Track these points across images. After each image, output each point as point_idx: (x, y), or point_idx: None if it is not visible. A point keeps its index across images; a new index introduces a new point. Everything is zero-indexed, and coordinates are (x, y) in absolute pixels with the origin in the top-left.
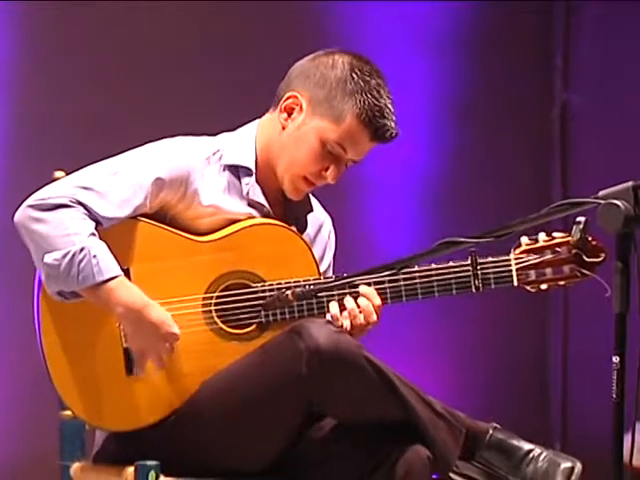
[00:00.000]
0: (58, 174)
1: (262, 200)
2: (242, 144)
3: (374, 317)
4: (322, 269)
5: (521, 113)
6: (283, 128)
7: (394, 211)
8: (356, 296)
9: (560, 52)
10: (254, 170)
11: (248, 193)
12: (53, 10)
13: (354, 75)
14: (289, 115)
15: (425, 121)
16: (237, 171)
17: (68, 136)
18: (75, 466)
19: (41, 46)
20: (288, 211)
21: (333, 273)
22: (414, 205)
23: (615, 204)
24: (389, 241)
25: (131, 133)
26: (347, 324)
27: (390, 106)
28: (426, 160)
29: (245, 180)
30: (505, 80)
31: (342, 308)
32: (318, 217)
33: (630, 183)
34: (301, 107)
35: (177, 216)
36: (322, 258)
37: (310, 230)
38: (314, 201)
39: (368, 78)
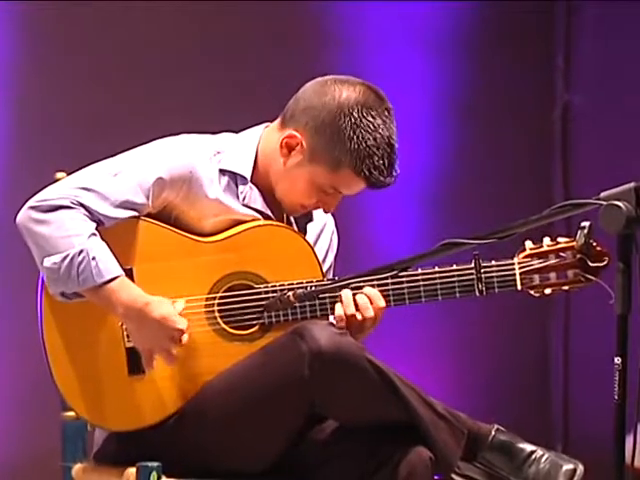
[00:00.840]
0: (59, 175)
1: (259, 206)
2: (242, 150)
3: (370, 313)
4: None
5: (522, 113)
6: (284, 163)
7: (394, 211)
8: (355, 294)
9: (561, 52)
10: (249, 179)
11: (244, 199)
12: (53, 10)
13: (359, 122)
14: (289, 151)
15: (425, 121)
16: (235, 177)
17: (68, 136)
18: (77, 467)
19: (41, 46)
20: (288, 217)
21: (334, 274)
22: (414, 205)
23: (617, 205)
24: (389, 241)
25: (131, 133)
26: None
27: (389, 158)
28: (426, 160)
29: (240, 188)
30: (506, 80)
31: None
32: (318, 224)
33: (632, 184)
34: (302, 146)
35: (181, 216)
36: (323, 261)
37: (309, 239)
38: None
39: (372, 126)
